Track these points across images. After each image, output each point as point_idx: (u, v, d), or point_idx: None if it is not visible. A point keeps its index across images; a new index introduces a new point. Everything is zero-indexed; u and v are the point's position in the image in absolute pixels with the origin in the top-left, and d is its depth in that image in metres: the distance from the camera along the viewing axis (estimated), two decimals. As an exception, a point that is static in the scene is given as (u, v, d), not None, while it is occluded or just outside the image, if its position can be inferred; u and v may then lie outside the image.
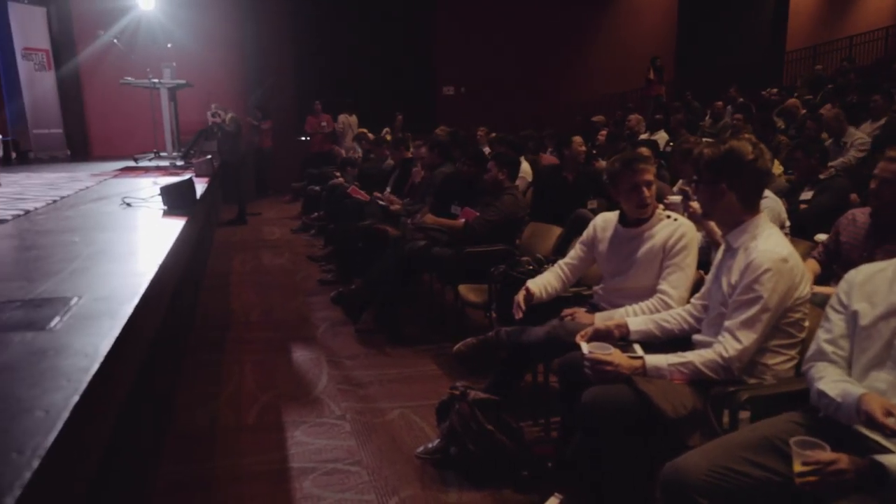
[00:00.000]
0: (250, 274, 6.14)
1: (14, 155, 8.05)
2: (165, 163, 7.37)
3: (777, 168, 5.20)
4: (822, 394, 1.66)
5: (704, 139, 5.21)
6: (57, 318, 1.62)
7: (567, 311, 2.67)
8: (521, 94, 13.13)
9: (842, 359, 1.72)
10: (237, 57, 11.38)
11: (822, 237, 3.07)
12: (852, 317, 1.72)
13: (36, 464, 0.94)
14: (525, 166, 5.81)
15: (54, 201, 4.16)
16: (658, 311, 2.44)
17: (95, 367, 1.31)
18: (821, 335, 1.78)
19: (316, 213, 8.04)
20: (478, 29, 13.06)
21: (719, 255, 2.19)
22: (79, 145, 10.07)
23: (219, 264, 6.55)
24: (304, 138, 11.77)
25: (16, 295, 1.87)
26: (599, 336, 2.26)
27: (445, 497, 2.48)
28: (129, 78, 7.63)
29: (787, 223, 3.45)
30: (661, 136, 8.12)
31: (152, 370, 2.54)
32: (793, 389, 1.91)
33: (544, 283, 2.75)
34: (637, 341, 2.27)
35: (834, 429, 1.63)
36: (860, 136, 5.68)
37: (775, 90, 10.66)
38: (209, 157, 6.71)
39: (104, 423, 1.44)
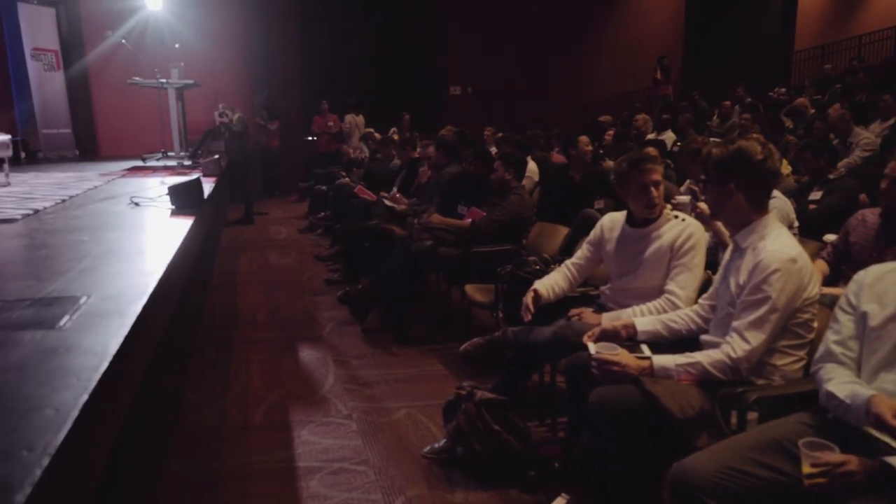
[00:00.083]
0: (257, 273, 6.15)
1: (23, 155, 8.10)
2: (173, 162, 7.40)
3: (785, 168, 5.17)
4: (830, 395, 1.65)
5: (712, 139, 5.19)
6: (66, 317, 1.63)
7: (574, 312, 2.66)
8: (528, 94, 13.11)
9: (851, 360, 1.71)
10: (244, 57, 11.42)
11: (830, 237, 3.05)
12: (861, 318, 1.71)
13: (46, 462, 0.95)
14: (532, 166, 5.81)
15: (63, 201, 4.19)
16: (665, 311, 2.43)
17: (105, 365, 1.32)
18: (830, 336, 1.77)
19: (322, 213, 8.05)
20: (485, 29, 13.06)
21: (727, 255, 2.18)
22: (87, 145, 10.12)
23: (226, 264, 6.57)
24: (310, 138, 11.80)
25: (26, 294, 1.88)
26: (607, 336, 2.25)
27: (452, 497, 2.48)
28: (137, 78, 7.66)
29: (796, 223, 3.43)
30: (669, 136, 8.09)
31: (160, 369, 2.56)
32: (801, 390, 1.90)
33: (551, 283, 2.75)
34: (644, 342, 2.27)
35: (843, 430, 1.62)
36: (865, 136, 5.64)
37: (783, 90, 10.61)
38: (217, 156, 6.73)
39: (113, 422, 1.44)
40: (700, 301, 2.33)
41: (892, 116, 6.46)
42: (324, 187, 8.32)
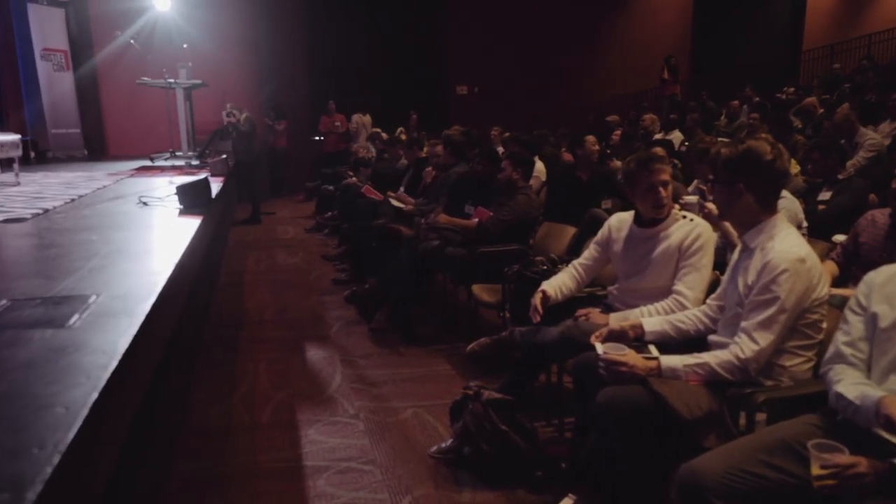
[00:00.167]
0: (264, 273, 6.17)
1: (33, 154, 8.14)
2: (181, 162, 7.43)
3: (794, 168, 5.15)
4: (840, 396, 1.64)
5: (720, 139, 5.17)
6: (76, 316, 1.64)
7: (581, 312, 2.66)
8: (535, 94, 13.10)
9: (861, 361, 1.70)
10: (252, 57, 11.45)
11: (839, 238, 3.04)
12: (871, 319, 1.70)
13: (57, 459, 0.95)
14: (539, 166, 5.80)
15: (72, 200, 4.21)
16: (673, 311, 2.43)
17: (114, 364, 1.32)
18: (839, 337, 1.76)
19: (329, 213, 8.07)
20: (491, 28, 13.05)
21: (735, 255, 2.17)
22: (96, 145, 10.17)
23: (233, 263, 6.60)
24: (318, 138, 11.82)
25: (36, 292, 1.89)
26: (614, 336, 2.25)
27: (459, 497, 2.48)
28: (146, 78, 7.70)
29: (805, 224, 3.42)
30: (676, 136, 8.06)
31: (168, 368, 2.56)
32: (810, 391, 1.89)
33: (559, 284, 2.74)
34: (652, 342, 2.26)
35: (852, 432, 1.61)
36: (871, 136, 5.58)
37: (792, 90, 10.55)
38: (224, 156, 6.75)
39: (121, 421, 1.45)
40: (708, 301, 2.32)
41: (901, 116, 6.41)
42: (331, 187, 8.34)
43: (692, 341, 2.25)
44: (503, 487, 2.51)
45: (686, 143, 7.19)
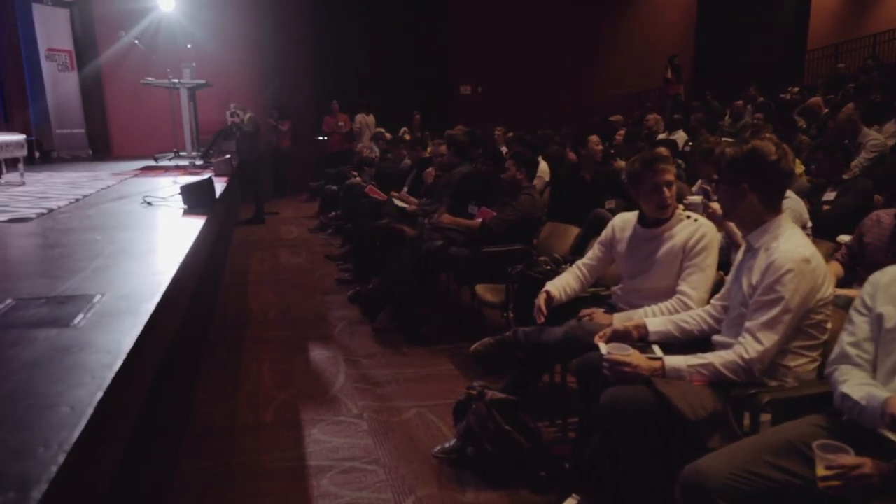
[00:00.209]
0: (268, 273, 6.18)
1: (38, 154, 8.16)
2: (185, 162, 7.44)
3: (798, 168, 5.13)
4: (845, 397, 1.63)
5: (724, 139, 5.16)
6: (80, 316, 1.64)
7: (585, 312, 2.65)
8: (538, 94, 13.09)
9: (866, 362, 1.69)
10: (256, 57, 11.46)
11: (844, 238, 3.03)
12: (877, 319, 1.69)
13: (62, 459, 0.95)
14: (543, 166, 5.79)
15: (77, 200, 4.22)
16: (677, 311, 2.42)
17: (119, 363, 1.33)
18: (845, 338, 1.75)
19: (333, 213, 8.07)
20: (495, 29, 13.04)
21: (740, 255, 2.17)
22: (100, 145, 10.20)
23: (237, 263, 6.60)
24: (321, 138, 11.83)
25: (40, 292, 1.90)
26: (618, 337, 2.24)
27: (462, 497, 2.47)
28: (150, 78, 7.71)
29: (809, 224, 3.41)
30: (680, 136, 8.05)
31: (172, 368, 2.57)
32: (815, 392, 1.88)
33: (563, 284, 2.74)
34: (656, 342, 2.25)
35: (857, 432, 1.61)
36: (873, 137, 5.54)
37: (796, 89, 10.53)
38: (228, 156, 6.76)
39: (125, 421, 1.45)
40: (712, 301, 2.31)
41: (906, 116, 6.38)
42: (334, 187, 8.34)
43: (696, 341, 2.25)
44: (507, 487, 2.51)
45: (690, 143, 7.18)
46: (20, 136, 5.38)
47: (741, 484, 1.59)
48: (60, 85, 8.96)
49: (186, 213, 3.54)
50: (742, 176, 2.00)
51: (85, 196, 4.44)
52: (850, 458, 1.47)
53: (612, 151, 6.54)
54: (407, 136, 8.27)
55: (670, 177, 2.55)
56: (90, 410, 1.11)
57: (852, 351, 1.71)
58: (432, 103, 12.47)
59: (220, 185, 4.49)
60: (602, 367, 2.07)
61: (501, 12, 13.02)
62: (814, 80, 12.52)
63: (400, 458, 2.76)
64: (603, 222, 3.05)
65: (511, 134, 7.45)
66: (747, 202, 2.01)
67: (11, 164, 5.40)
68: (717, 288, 2.42)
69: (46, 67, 8.66)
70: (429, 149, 6.43)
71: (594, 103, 13.22)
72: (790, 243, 1.95)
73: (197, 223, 3.14)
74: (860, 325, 1.73)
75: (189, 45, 8.41)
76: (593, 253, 2.83)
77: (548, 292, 2.67)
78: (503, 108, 11.92)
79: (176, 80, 7.65)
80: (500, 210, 4.02)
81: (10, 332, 1.54)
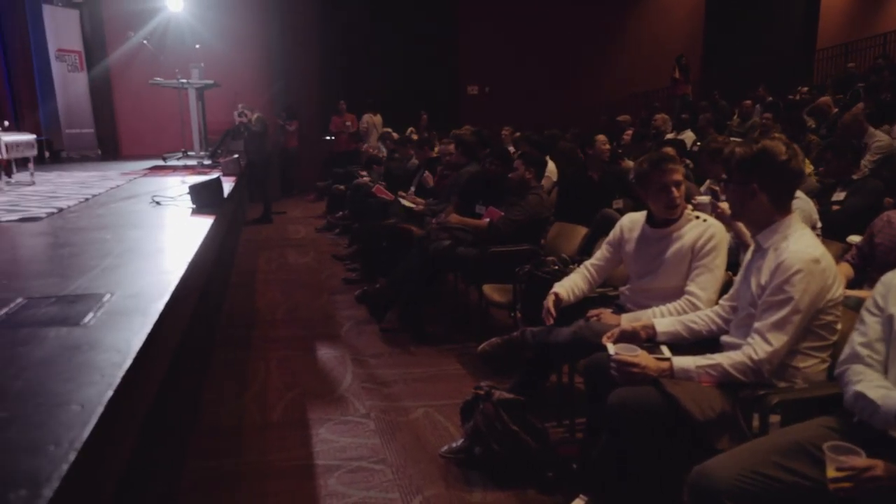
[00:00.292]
0: (275, 272, 6.19)
1: (47, 154, 8.23)
2: (193, 162, 7.47)
3: (807, 168, 5.10)
4: (860, 396, 1.62)
5: (732, 139, 5.13)
6: (90, 314, 1.65)
7: (593, 312, 2.65)
8: (546, 94, 13.07)
9: (878, 363, 1.68)
10: (263, 57, 11.49)
11: (854, 238, 3.01)
12: (888, 321, 1.68)
13: (73, 457, 0.96)
14: (550, 166, 5.79)
15: (86, 199, 4.25)
16: (686, 312, 2.41)
17: (128, 362, 1.33)
18: (856, 338, 1.74)
19: (340, 213, 8.09)
20: (502, 28, 13.03)
21: (748, 255, 2.15)
22: (109, 145, 10.25)
23: (244, 262, 6.62)
24: (328, 138, 11.85)
25: (51, 291, 1.91)
26: (626, 337, 2.24)
27: (469, 497, 2.47)
28: (159, 78, 7.75)
29: (819, 224, 3.39)
30: (688, 136, 8.02)
31: (180, 367, 2.58)
32: (825, 394, 1.87)
33: (571, 285, 2.73)
34: (664, 343, 2.25)
35: (868, 434, 1.59)
36: (878, 138, 5.48)
37: (806, 89, 10.47)
38: (236, 156, 6.78)
39: (134, 419, 1.46)
40: (721, 302, 2.30)
41: (917, 115, 6.34)
42: (341, 186, 8.36)
43: (704, 342, 2.24)
44: (514, 488, 2.50)
45: (698, 143, 7.15)
46: (30, 136, 5.42)
47: (750, 485, 1.58)
48: (70, 85, 9.02)
49: (195, 212, 3.56)
50: (752, 176, 1.98)
51: (94, 196, 4.47)
52: (861, 460, 1.46)
53: (620, 151, 6.52)
54: (414, 137, 8.27)
55: (679, 177, 2.54)
56: (100, 409, 1.12)
57: (864, 351, 1.70)
58: (439, 103, 12.47)
59: (228, 185, 4.51)
60: (610, 367, 2.07)
61: (508, 12, 13.01)
62: (823, 80, 12.47)
63: (407, 457, 2.76)
64: (610, 222, 3.04)
65: (518, 134, 7.45)
66: (757, 202, 2.00)
67: (22, 163, 5.44)
68: (725, 288, 2.41)
69: (56, 68, 8.72)
70: (436, 148, 6.43)
71: (601, 103, 13.20)
72: (800, 243, 1.94)
73: (205, 223, 3.15)
74: (872, 325, 1.72)
75: (197, 46, 8.44)
76: (601, 253, 2.82)
77: (556, 294, 2.67)
78: (510, 108, 11.91)
79: (184, 81, 7.69)
80: (507, 210, 4.01)
81: (20, 331, 1.55)
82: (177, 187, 4.66)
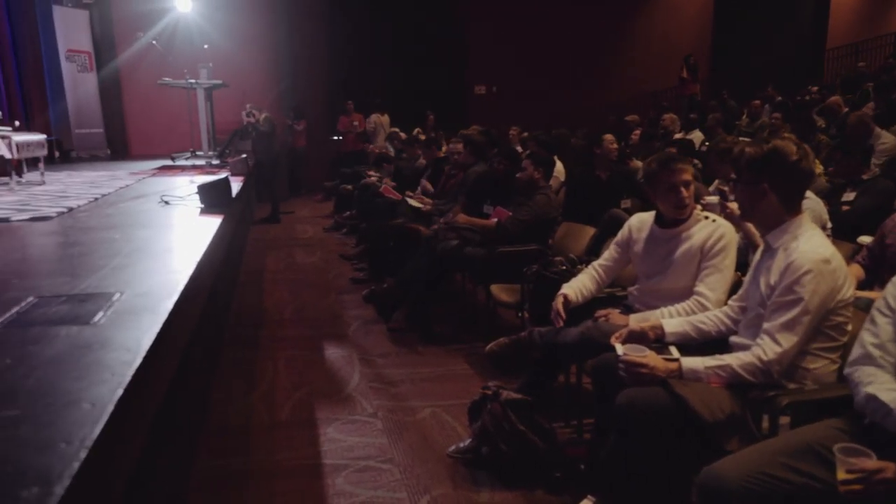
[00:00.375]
0: (283, 272, 6.21)
1: (57, 154, 8.28)
2: (202, 162, 7.50)
3: (817, 168, 5.06)
4: (872, 398, 1.61)
5: (741, 139, 5.11)
6: (100, 313, 1.66)
7: (601, 312, 2.64)
8: (553, 93, 13.04)
9: (889, 364, 1.67)
10: (271, 57, 11.53)
11: (865, 239, 2.99)
12: (900, 322, 1.67)
13: (84, 455, 0.96)
14: (559, 166, 5.78)
15: (96, 199, 4.27)
16: (694, 312, 2.40)
17: (138, 361, 1.34)
18: (867, 338, 1.72)
19: (348, 212, 8.10)
20: (510, 28, 13.02)
21: (758, 255, 2.14)
22: (118, 144, 10.31)
23: (252, 262, 6.64)
24: (336, 137, 11.88)
25: (61, 290, 1.92)
26: (634, 337, 2.23)
27: (477, 497, 2.47)
28: (167, 78, 7.78)
29: (829, 225, 3.37)
30: (696, 136, 7.99)
31: (188, 366, 2.59)
32: (835, 395, 1.86)
33: (580, 286, 2.73)
34: (673, 343, 2.24)
35: (878, 436, 1.58)
36: (884, 139, 5.42)
37: (815, 88, 10.40)
38: (244, 156, 6.80)
39: (144, 418, 1.47)
40: (730, 302, 2.29)
41: (928, 115, 6.28)
42: (349, 186, 8.37)
43: (713, 343, 2.23)
44: (521, 488, 2.50)
45: (707, 143, 7.12)
46: (41, 136, 5.46)
47: (759, 487, 1.57)
48: (80, 85, 9.07)
49: (203, 212, 3.57)
50: (762, 176, 1.97)
51: (104, 195, 4.49)
52: (871, 462, 1.45)
53: (628, 151, 6.50)
54: (421, 137, 8.27)
55: (688, 177, 2.53)
56: (111, 407, 1.12)
57: (876, 352, 1.68)
58: (447, 103, 12.46)
59: (236, 185, 4.53)
60: (618, 368, 2.06)
61: (516, 12, 12.99)
62: (833, 79, 12.37)
63: (415, 457, 2.76)
64: (618, 222, 3.03)
65: (526, 133, 7.44)
66: (767, 202, 1.99)
67: (32, 163, 5.48)
68: (734, 289, 2.40)
69: (66, 68, 8.78)
70: (443, 148, 6.43)
71: (609, 103, 13.15)
72: (810, 244, 1.93)
73: (214, 222, 3.17)
74: (883, 326, 1.70)
75: (206, 46, 8.47)
76: (609, 253, 2.82)
77: (565, 295, 2.66)
78: (518, 108, 11.89)
79: (193, 81, 7.71)
80: (515, 210, 4.01)
81: (31, 330, 1.56)
82: (185, 187, 4.68)
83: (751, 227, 2.67)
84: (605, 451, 2.21)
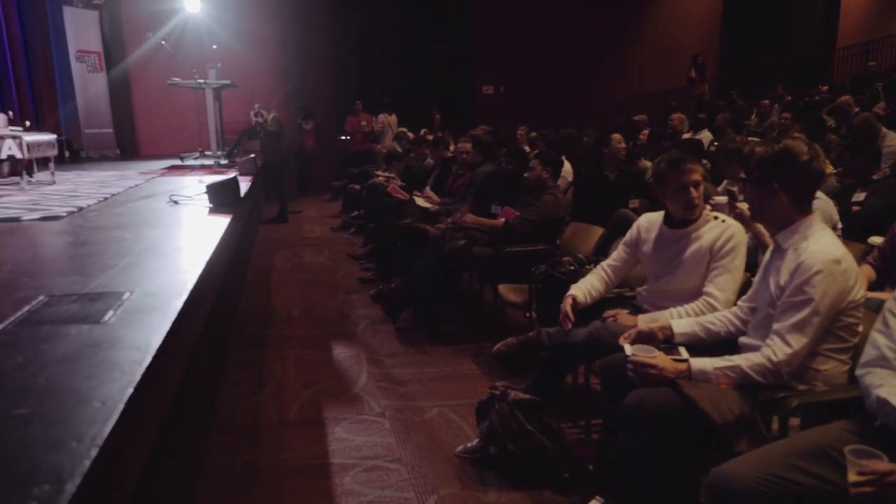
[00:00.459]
0: (291, 271, 6.22)
1: (67, 154, 8.33)
2: (210, 161, 7.53)
3: (827, 168, 5.01)
4: (884, 402, 1.59)
5: (751, 139, 5.08)
6: (110, 312, 1.67)
7: (609, 313, 2.63)
8: (561, 93, 13.02)
9: (902, 366, 1.66)
10: (279, 58, 11.56)
11: (876, 240, 2.96)
12: (912, 323, 1.66)
13: (94, 453, 0.97)
14: (567, 166, 5.76)
15: (105, 199, 4.29)
16: (703, 313, 2.39)
17: (148, 360, 1.35)
18: (880, 340, 1.71)
19: (356, 212, 8.11)
20: (517, 28, 13.01)
21: (767, 255, 2.13)
22: (128, 144, 10.37)
23: (260, 261, 6.67)
24: (344, 137, 11.90)
25: (71, 289, 1.93)
26: (643, 338, 2.22)
27: (485, 497, 2.47)
28: (176, 79, 7.81)
29: (840, 225, 3.34)
30: (705, 136, 7.95)
31: (197, 365, 2.60)
32: (845, 397, 1.84)
33: (588, 287, 2.72)
34: (682, 344, 2.23)
35: (889, 438, 1.57)
36: (889, 141, 5.36)
37: (826, 88, 10.34)
38: (252, 156, 6.82)
39: (153, 417, 1.47)
40: (739, 303, 2.28)
41: (939, 115, 6.22)
42: (357, 186, 8.38)
43: (722, 344, 2.22)
44: (529, 488, 2.50)
45: (715, 143, 7.09)
46: (51, 136, 5.50)
47: (769, 488, 1.56)
48: (89, 86, 9.13)
49: (212, 211, 3.58)
50: (772, 176, 1.96)
51: (113, 195, 4.52)
52: (883, 464, 1.44)
53: (636, 151, 6.48)
54: (429, 137, 8.27)
55: (697, 177, 2.52)
56: (121, 406, 1.13)
57: (890, 354, 1.67)
58: (455, 103, 12.45)
59: (244, 185, 4.54)
60: (627, 368, 2.06)
61: (523, 12, 12.98)
62: (843, 79, 12.29)
63: (422, 457, 2.76)
64: (627, 222, 3.02)
65: (534, 133, 7.43)
66: (777, 202, 1.98)
67: (43, 163, 5.52)
68: (744, 290, 2.39)
69: (76, 69, 8.84)
70: (451, 147, 6.42)
71: (618, 103, 13.11)
72: (820, 244, 1.91)
73: (222, 222, 3.18)
74: (896, 328, 1.69)
75: (214, 46, 8.51)
76: (618, 254, 2.80)
77: (573, 297, 2.65)
78: (525, 108, 11.87)
79: (201, 81, 7.74)
80: (523, 210, 4.00)
81: (42, 328, 1.57)
82: (194, 187, 4.70)
83: (760, 227, 2.66)
84: (614, 451, 2.20)
